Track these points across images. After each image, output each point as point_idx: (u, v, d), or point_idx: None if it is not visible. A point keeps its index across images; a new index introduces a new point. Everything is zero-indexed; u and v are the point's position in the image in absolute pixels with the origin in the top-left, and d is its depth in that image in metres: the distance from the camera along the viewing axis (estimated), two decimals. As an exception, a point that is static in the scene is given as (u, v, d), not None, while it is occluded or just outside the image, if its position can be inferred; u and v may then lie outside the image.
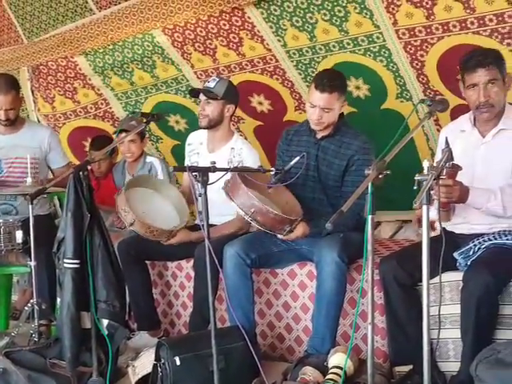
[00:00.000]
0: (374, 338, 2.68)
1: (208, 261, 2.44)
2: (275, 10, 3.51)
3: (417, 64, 3.40)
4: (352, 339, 2.53)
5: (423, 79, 3.45)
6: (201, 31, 3.79)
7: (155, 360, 2.69)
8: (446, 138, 2.23)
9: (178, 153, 4.48)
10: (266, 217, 2.66)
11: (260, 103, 4.08)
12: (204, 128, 3.33)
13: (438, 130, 3.55)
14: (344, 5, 3.31)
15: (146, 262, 3.42)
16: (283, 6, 3.47)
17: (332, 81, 2.88)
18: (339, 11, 3.35)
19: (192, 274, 3.24)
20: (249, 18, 3.59)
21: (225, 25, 3.69)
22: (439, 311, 2.35)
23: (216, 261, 2.46)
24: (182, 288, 3.47)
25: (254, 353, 2.55)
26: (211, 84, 3.25)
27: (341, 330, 2.91)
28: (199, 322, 3.04)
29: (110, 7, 3.93)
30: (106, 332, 2.73)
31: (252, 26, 3.63)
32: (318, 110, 2.89)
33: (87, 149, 4.62)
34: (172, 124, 4.51)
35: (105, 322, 2.73)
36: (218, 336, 2.46)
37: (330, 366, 2.62)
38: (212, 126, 3.29)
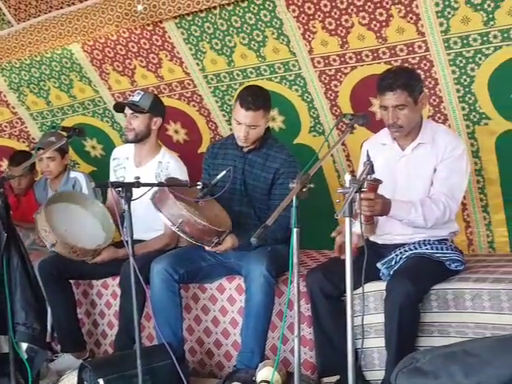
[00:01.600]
0: (303, 350, 2.71)
1: (133, 278, 2.40)
2: (195, 31, 3.46)
3: (330, 94, 3.40)
4: (279, 352, 2.53)
5: (336, 111, 3.45)
6: (121, 49, 3.73)
7: (78, 383, 2.60)
8: (368, 151, 2.28)
9: (95, 179, 4.36)
10: (193, 228, 2.64)
11: (176, 132, 4.03)
12: (131, 142, 3.28)
13: (350, 166, 3.59)
14: (262, 29, 3.28)
15: (70, 280, 3.31)
16: (203, 27, 3.42)
17: (256, 98, 2.88)
18: (257, 35, 3.33)
19: (118, 291, 3.16)
20: (169, 37, 3.55)
21: (145, 44, 3.64)
22: (362, 321, 2.40)
23: (141, 278, 2.43)
24: (107, 306, 3.38)
25: (180, 371, 2.51)
26: (136, 98, 3.22)
27: (270, 343, 2.90)
28: (126, 341, 2.96)
29: (29, 19, 3.79)
30: (25, 356, 2.63)
31: (172, 46, 3.59)
32: (244, 127, 2.89)
33: (3, 168, 4.44)
34: (88, 149, 4.42)
35: (24, 345, 2.63)
36: (144, 355, 2.42)
37: (258, 380, 2.61)
38: (139, 139, 3.24)
